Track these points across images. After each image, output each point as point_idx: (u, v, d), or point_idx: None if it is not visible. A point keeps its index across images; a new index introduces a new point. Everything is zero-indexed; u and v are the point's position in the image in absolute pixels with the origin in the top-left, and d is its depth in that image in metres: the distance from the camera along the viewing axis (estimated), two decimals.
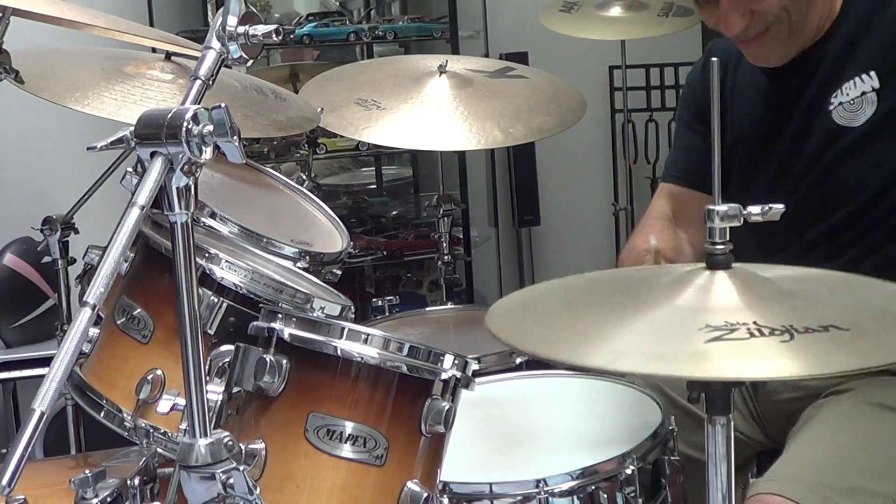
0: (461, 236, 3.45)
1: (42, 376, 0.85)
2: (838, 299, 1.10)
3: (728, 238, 1.10)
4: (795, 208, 1.30)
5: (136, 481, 1.25)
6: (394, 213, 3.73)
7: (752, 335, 0.97)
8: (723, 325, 0.98)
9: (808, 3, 1.58)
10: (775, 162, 1.70)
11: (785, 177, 1.68)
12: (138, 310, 1.36)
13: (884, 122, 1.57)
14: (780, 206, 1.11)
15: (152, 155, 0.93)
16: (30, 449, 0.82)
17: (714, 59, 1.16)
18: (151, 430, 1.31)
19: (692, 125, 1.86)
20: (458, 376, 1.17)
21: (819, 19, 1.62)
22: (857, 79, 1.59)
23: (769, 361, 0.94)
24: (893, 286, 1.12)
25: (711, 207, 1.10)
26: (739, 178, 1.73)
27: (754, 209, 1.11)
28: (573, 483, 1.32)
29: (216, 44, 1.10)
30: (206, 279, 1.32)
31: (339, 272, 1.71)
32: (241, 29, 1.10)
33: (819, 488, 1.37)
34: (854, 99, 1.59)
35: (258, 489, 1.00)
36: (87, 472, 1.21)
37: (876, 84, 1.57)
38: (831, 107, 1.61)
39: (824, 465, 1.42)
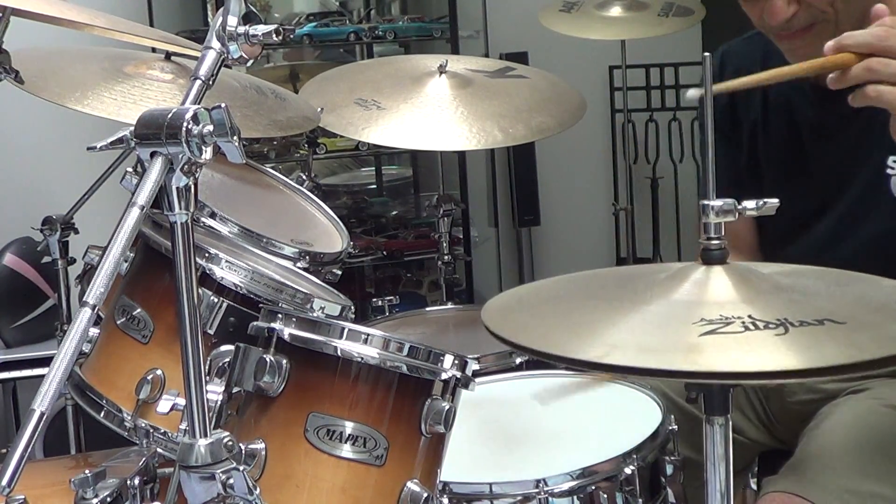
0: (461, 236, 3.45)
1: (42, 376, 0.85)
2: (835, 294, 1.09)
3: (723, 233, 1.09)
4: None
5: (136, 481, 1.25)
6: (394, 213, 3.73)
7: (746, 328, 0.96)
8: (717, 319, 0.98)
9: (859, 7, 1.44)
10: (808, 199, 1.62)
11: (818, 221, 1.61)
12: (138, 310, 1.36)
13: None
14: (774, 201, 1.10)
15: (152, 155, 0.93)
16: (30, 449, 0.82)
17: (706, 54, 1.12)
18: (151, 430, 1.31)
19: (721, 134, 1.75)
20: (458, 376, 1.17)
21: None
22: None
23: (762, 355, 0.93)
24: (892, 282, 1.10)
25: (706, 202, 1.09)
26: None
27: (749, 204, 1.10)
28: (573, 483, 1.32)
29: (216, 44, 1.10)
30: (206, 279, 1.32)
31: (339, 272, 1.71)
32: (241, 29, 1.10)
33: (837, 492, 1.36)
34: None
35: (258, 489, 1.00)
36: (87, 472, 1.20)
37: None
38: (891, 171, 1.50)
39: (841, 467, 1.40)
